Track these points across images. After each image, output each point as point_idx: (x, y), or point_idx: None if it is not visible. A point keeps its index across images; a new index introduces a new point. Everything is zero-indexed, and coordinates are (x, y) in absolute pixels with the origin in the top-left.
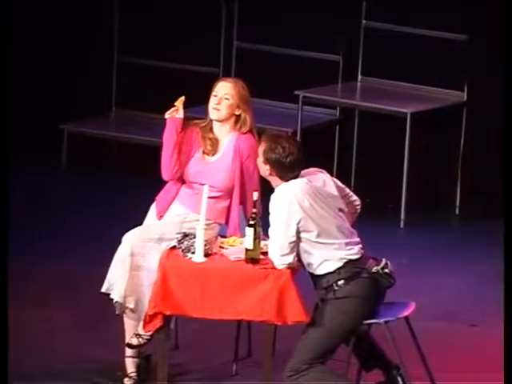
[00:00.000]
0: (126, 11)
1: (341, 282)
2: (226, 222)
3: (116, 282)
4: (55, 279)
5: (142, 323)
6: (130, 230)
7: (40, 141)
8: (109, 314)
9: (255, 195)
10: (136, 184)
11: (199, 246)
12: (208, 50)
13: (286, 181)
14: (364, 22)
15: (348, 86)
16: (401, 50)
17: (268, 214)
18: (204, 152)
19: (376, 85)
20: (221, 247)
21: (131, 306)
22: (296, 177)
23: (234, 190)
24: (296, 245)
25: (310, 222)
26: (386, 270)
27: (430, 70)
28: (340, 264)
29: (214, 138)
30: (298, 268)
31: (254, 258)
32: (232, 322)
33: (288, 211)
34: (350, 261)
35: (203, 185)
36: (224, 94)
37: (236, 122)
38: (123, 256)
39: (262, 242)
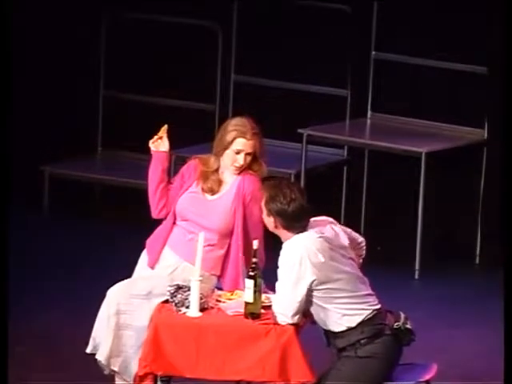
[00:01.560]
0: (113, 42)
1: (364, 341)
2: (221, 275)
3: (101, 342)
4: (36, 336)
5: None
6: (118, 281)
7: (20, 183)
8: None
9: (255, 243)
10: (123, 230)
11: (194, 299)
12: (203, 84)
13: (295, 233)
14: (374, 53)
15: (356, 124)
16: (414, 83)
17: (276, 265)
18: (203, 189)
19: (387, 122)
20: (218, 301)
21: (115, 368)
22: (304, 227)
23: (234, 237)
24: (303, 305)
25: (324, 278)
26: (408, 326)
27: (446, 106)
28: (361, 318)
29: (218, 179)
30: (303, 324)
31: (255, 312)
32: (231, 382)
33: (298, 270)
34: (370, 314)
35: (197, 224)
36: (246, 152)
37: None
38: (108, 314)
39: (263, 295)
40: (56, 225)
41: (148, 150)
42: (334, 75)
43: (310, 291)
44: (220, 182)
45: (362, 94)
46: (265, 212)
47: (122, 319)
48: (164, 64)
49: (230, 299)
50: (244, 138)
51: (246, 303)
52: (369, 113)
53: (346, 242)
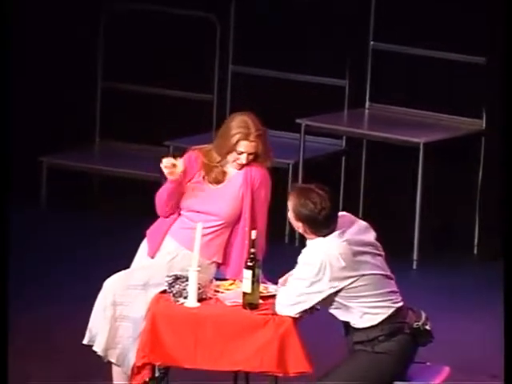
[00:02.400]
0: (111, 33)
1: (382, 338)
2: (224, 262)
3: (98, 333)
4: (34, 328)
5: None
6: (116, 271)
7: (18, 174)
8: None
9: (253, 234)
10: (122, 222)
11: (192, 289)
12: (201, 75)
13: (322, 236)
14: (372, 43)
15: (355, 114)
16: (412, 73)
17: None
18: (208, 180)
19: (385, 112)
20: (216, 291)
21: (113, 359)
22: (332, 231)
23: (241, 223)
24: (307, 306)
25: (346, 281)
26: (427, 327)
27: (444, 96)
28: (383, 317)
29: (222, 171)
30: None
31: (253, 303)
32: (228, 373)
33: (316, 274)
34: (392, 312)
35: (203, 212)
36: (249, 153)
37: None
38: (104, 305)
39: (262, 286)
40: (54, 216)
41: (145, 141)
42: (332, 65)
43: (325, 299)
44: (224, 173)
45: (361, 85)
46: (292, 214)
47: (119, 310)
48: (162, 55)
49: (228, 289)
50: (247, 140)
51: (244, 293)
52: (367, 103)
53: (372, 237)
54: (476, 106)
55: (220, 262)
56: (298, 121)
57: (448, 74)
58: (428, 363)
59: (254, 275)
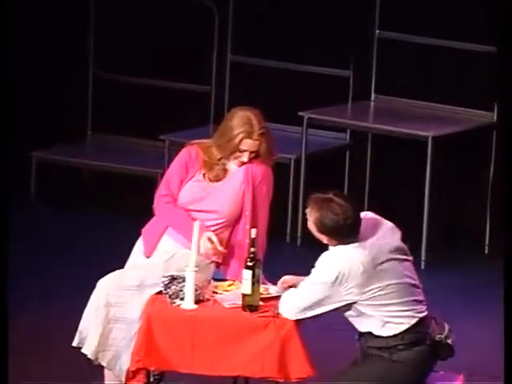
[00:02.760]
0: (104, 20)
1: (401, 347)
2: (223, 262)
3: (88, 335)
4: (25, 330)
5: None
6: (107, 271)
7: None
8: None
9: (253, 232)
10: (114, 219)
11: (189, 291)
12: (198, 65)
13: (346, 243)
14: (377, 31)
15: (359, 106)
16: (420, 63)
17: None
18: (208, 178)
19: (392, 104)
20: (214, 292)
21: (104, 363)
22: (356, 238)
23: (242, 220)
24: (312, 314)
25: (366, 290)
26: (449, 341)
27: (454, 87)
28: (406, 327)
29: (223, 168)
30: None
31: (252, 304)
32: (227, 378)
33: (333, 281)
34: (415, 322)
35: (203, 211)
36: (251, 151)
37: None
38: (97, 306)
39: (262, 287)
40: (43, 213)
41: (140, 134)
42: (335, 55)
43: (339, 308)
44: (225, 170)
45: (366, 75)
46: (315, 229)
47: (112, 312)
48: (157, 44)
49: (226, 291)
50: (250, 138)
51: (244, 295)
52: (372, 95)
53: (398, 240)
54: (487, 97)
55: (219, 261)
56: (300, 113)
57: (457, 64)
58: (441, 372)
59: (253, 276)
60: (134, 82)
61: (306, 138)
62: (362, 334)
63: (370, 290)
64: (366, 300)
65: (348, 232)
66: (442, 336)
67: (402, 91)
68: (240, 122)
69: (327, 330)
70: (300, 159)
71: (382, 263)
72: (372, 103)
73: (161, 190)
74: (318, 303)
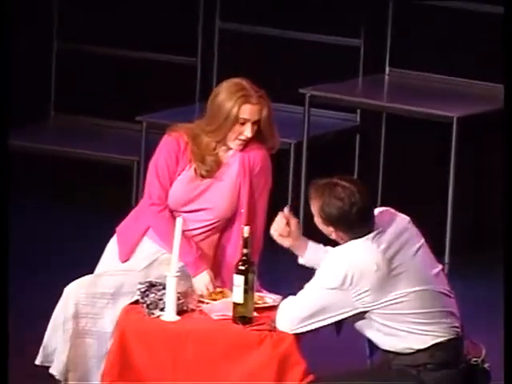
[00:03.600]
0: None
1: (431, 366)
2: (213, 268)
3: (55, 352)
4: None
5: None
6: (76, 276)
7: None
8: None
9: (246, 231)
10: (79, 211)
11: (170, 300)
12: (182, 33)
13: (358, 237)
14: None
15: (372, 82)
16: (442, 31)
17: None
18: (200, 174)
19: (409, 79)
20: (200, 301)
21: None
22: (369, 230)
23: (236, 219)
24: (317, 326)
25: (381, 296)
26: (486, 366)
27: (480, 60)
28: (435, 341)
29: (216, 160)
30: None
31: (245, 316)
32: None
33: (341, 284)
34: (446, 338)
35: (194, 211)
36: (253, 121)
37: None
38: (64, 318)
39: (256, 295)
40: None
41: (112, 115)
42: (344, 22)
43: (349, 317)
44: (219, 163)
45: (379, 45)
46: (320, 221)
47: (82, 324)
48: (132, 8)
49: (214, 299)
50: (249, 103)
51: (235, 304)
52: (387, 68)
53: (421, 237)
54: None
55: (206, 266)
56: (301, 90)
57: (484, 32)
58: None
59: (246, 282)
60: (105, 53)
61: (309, 119)
62: (371, 352)
63: (387, 296)
64: (381, 308)
65: (357, 221)
66: (479, 360)
67: (421, 63)
68: (232, 89)
69: (333, 344)
70: (301, 144)
71: (402, 264)
72: (386, 77)
73: (151, 194)
74: (323, 312)
